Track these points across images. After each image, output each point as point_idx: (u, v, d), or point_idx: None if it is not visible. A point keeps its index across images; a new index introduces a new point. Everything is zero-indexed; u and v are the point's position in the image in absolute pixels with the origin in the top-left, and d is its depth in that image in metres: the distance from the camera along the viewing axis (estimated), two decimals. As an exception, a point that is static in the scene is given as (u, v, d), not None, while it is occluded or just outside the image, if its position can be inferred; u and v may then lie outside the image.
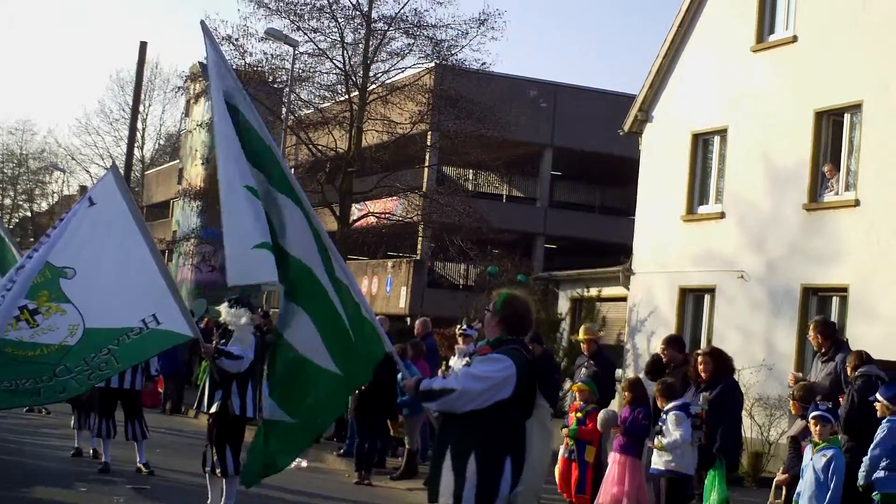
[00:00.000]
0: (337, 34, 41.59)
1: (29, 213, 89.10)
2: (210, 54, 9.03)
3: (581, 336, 18.57)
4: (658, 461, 14.09)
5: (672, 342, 16.52)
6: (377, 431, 19.47)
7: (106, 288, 10.76)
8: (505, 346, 8.31)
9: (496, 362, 8.18)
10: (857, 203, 23.07)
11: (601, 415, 15.55)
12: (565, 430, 15.92)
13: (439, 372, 19.08)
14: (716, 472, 13.78)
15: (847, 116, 23.91)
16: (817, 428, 11.82)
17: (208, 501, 13.96)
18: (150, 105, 73.85)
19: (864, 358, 13.44)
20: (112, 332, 10.83)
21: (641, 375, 17.53)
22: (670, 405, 14.11)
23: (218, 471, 13.64)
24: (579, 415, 16.07)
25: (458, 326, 23.41)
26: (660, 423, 14.12)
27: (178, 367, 29.73)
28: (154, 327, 10.25)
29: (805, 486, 11.91)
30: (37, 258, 10.43)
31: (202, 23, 9.17)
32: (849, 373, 13.72)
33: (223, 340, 13.57)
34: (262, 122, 9.21)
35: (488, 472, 8.06)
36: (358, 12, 41.40)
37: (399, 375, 13.34)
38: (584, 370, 17.72)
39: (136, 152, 68.50)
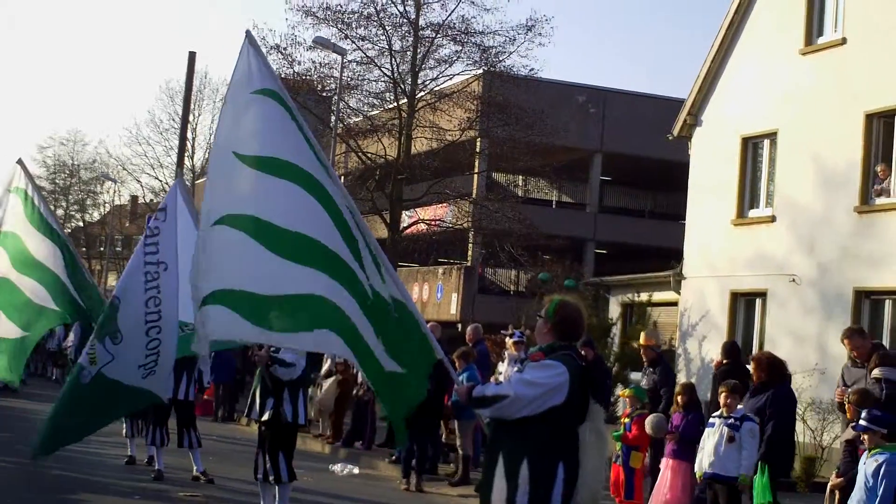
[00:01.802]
0: (385, 42, 41.72)
1: (81, 224, 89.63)
2: (253, 62, 8.98)
3: (641, 342, 18.60)
4: (716, 464, 13.70)
5: (722, 348, 16.47)
6: (427, 436, 19.42)
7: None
8: (557, 352, 8.29)
9: (549, 368, 8.17)
10: (909, 205, 22.92)
11: (651, 420, 15.45)
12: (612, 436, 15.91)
13: (491, 378, 19.05)
14: (760, 479, 13.57)
15: (898, 118, 23.75)
16: (865, 436, 11.70)
17: (261, 508, 14.03)
18: (199, 115, 73.73)
19: (877, 361, 13.17)
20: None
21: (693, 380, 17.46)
22: (741, 414, 13.75)
23: (272, 478, 13.69)
24: (626, 420, 16.06)
25: (504, 333, 23.46)
26: (728, 428, 13.67)
27: (230, 374, 29.88)
28: None
29: (855, 490, 11.80)
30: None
31: (248, 32, 9.17)
32: (867, 375, 13.55)
33: (275, 348, 13.56)
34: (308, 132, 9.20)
35: (541, 478, 8.04)
36: (405, 20, 41.48)
37: (460, 378, 13.44)
38: (644, 380, 17.67)
39: (187, 162, 68.68)
